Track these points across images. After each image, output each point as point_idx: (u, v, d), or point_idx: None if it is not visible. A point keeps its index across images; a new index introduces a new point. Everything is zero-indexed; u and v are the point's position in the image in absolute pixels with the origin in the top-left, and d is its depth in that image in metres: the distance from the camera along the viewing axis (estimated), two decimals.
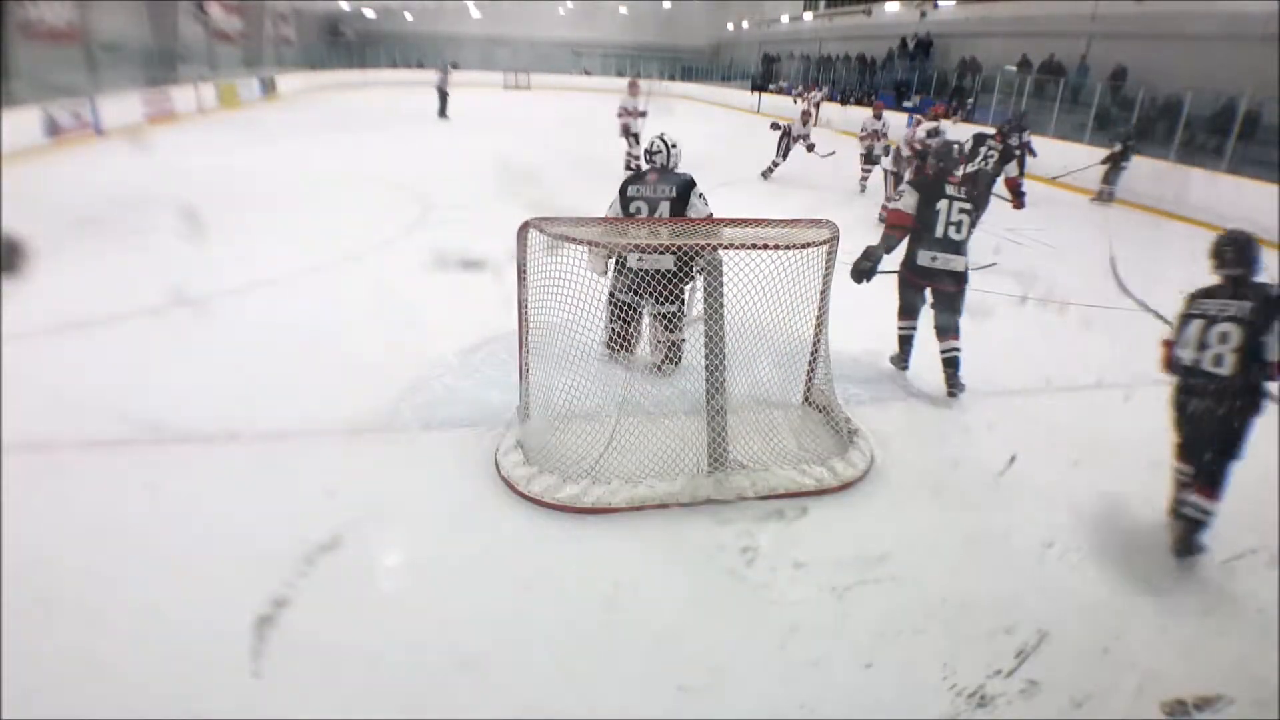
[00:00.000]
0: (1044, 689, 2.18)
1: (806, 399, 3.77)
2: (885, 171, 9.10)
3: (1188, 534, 2.76)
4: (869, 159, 10.35)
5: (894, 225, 4.04)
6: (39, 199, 7.86)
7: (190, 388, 3.79)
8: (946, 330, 4.06)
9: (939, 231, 3.89)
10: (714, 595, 2.55)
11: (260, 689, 2.09)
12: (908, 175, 7.68)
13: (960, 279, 3.99)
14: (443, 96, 18.27)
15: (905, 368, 4.38)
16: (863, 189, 10.55)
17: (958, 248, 3.94)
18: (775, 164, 11.24)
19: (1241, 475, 3.48)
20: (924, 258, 3.95)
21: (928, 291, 4.07)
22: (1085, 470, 3.44)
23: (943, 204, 3.89)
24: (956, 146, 4.40)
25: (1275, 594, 2.61)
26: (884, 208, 8.03)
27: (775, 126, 11.22)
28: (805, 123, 10.92)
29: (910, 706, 2.14)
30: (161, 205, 7.57)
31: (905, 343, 4.35)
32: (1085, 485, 3.32)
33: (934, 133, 7.80)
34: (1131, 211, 11.16)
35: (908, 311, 4.26)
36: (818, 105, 14.11)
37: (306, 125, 15.94)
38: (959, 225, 3.90)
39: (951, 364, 4.08)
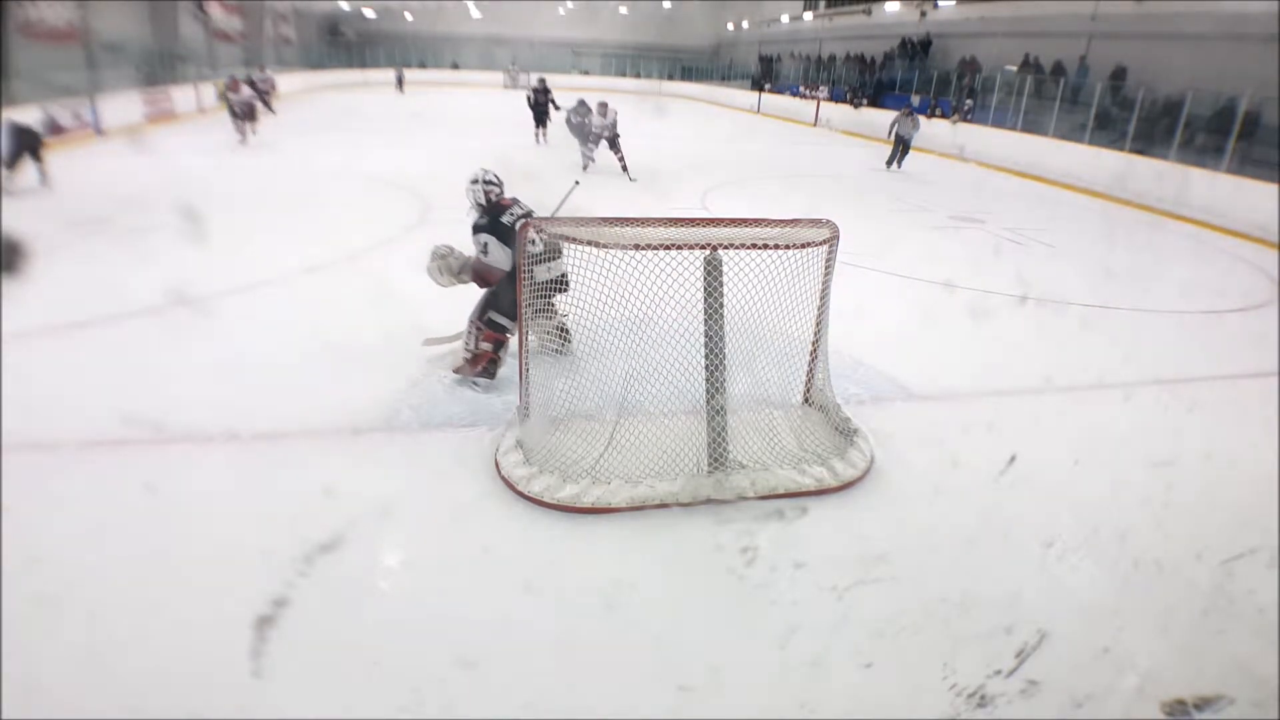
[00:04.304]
0: (1044, 689, 2.18)
1: (806, 399, 3.77)
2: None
3: None
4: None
5: None
6: (39, 199, 7.87)
7: (190, 388, 3.79)
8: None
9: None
10: (714, 595, 2.55)
11: (260, 689, 2.09)
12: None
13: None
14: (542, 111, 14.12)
15: None
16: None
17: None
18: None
19: (1241, 475, 3.50)
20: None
21: None
22: (1085, 470, 3.44)
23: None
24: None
25: (1275, 594, 2.61)
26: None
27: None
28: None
29: (910, 706, 2.13)
30: (161, 205, 7.58)
31: None
32: (1085, 485, 3.32)
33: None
34: (1132, 211, 11.17)
35: None
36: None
37: (306, 125, 15.94)
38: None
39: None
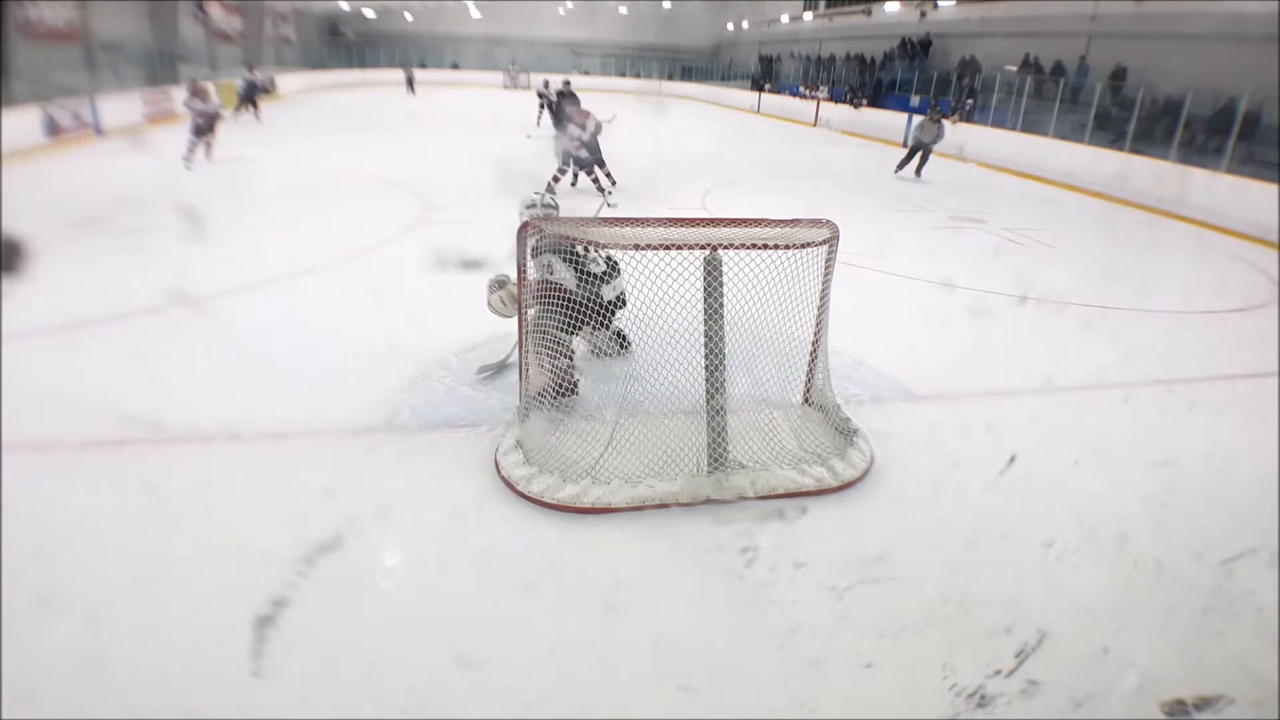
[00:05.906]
0: (1044, 689, 2.18)
1: (806, 399, 3.77)
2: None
3: None
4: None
5: None
6: (39, 199, 7.87)
7: (190, 388, 3.79)
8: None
9: None
10: (714, 595, 2.55)
11: (260, 689, 2.09)
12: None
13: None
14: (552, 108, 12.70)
15: None
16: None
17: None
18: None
19: (1241, 475, 3.50)
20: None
21: None
22: (1085, 470, 3.44)
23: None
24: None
25: (1275, 594, 2.61)
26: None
27: None
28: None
29: (910, 706, 2.13)
30: (161, 205, 7.58)
31: None
32: (1085, 485, 3.32)
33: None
34: (1132, 211, 11.17)
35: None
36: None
37: (306, 125, 15.93)
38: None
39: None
